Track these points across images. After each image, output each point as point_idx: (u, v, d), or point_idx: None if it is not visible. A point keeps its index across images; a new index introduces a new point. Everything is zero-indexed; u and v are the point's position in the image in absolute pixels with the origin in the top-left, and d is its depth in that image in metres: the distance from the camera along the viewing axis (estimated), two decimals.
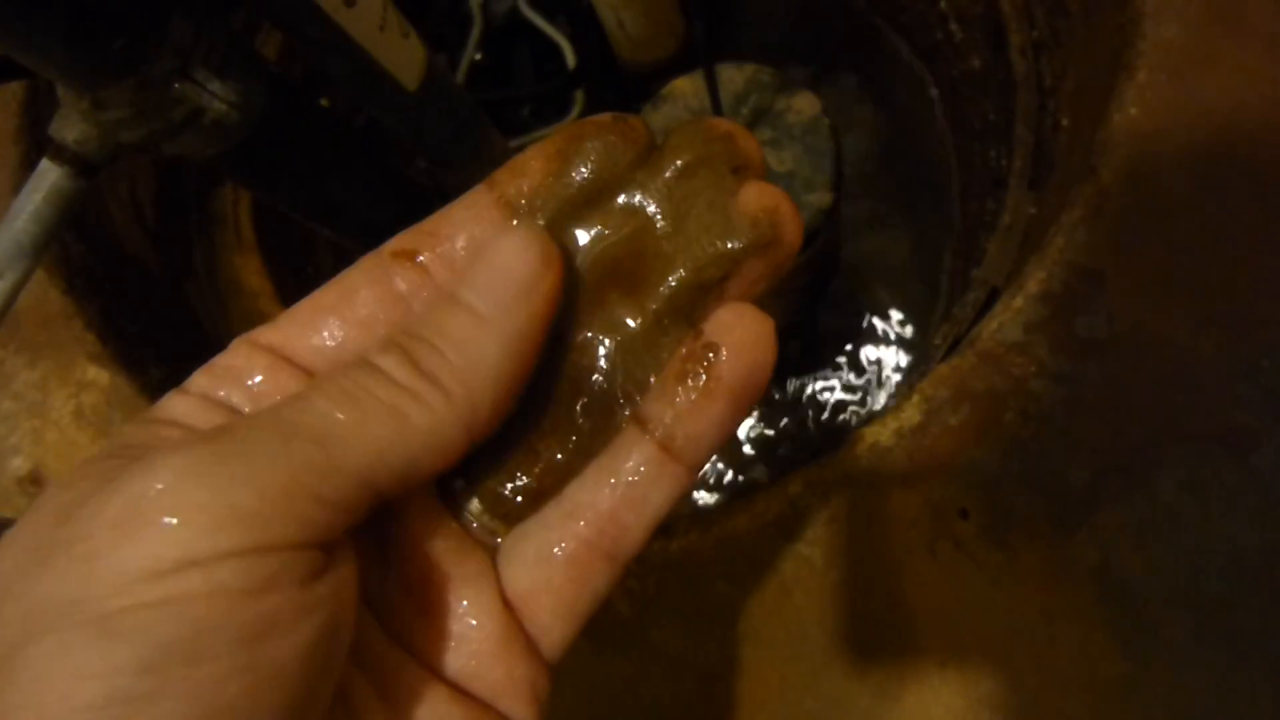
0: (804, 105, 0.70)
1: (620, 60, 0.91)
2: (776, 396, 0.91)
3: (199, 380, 0.21)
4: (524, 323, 0.20)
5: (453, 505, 0.22)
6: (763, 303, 0.22)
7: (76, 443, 0.51)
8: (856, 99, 0.97)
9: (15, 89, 0.59)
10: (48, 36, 0.34)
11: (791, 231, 0.22)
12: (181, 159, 0.44)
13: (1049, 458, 0.40)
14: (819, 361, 0.92)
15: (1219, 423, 0.40)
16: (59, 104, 0.40)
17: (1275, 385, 0.40)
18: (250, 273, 0.76)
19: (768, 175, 0.23)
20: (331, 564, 0.17)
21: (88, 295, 0.57)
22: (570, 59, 0.93)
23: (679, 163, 0.22)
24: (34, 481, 0.51)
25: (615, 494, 0.21)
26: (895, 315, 0.92)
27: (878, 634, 0.39)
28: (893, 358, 0.91)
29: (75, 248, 0.58)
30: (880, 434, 0.42)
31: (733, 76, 0.71)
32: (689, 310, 0.22)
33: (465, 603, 0.21)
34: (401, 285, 0.21)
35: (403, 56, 0.51)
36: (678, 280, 0.22)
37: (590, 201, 0.22)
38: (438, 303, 0.21)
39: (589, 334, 0.22)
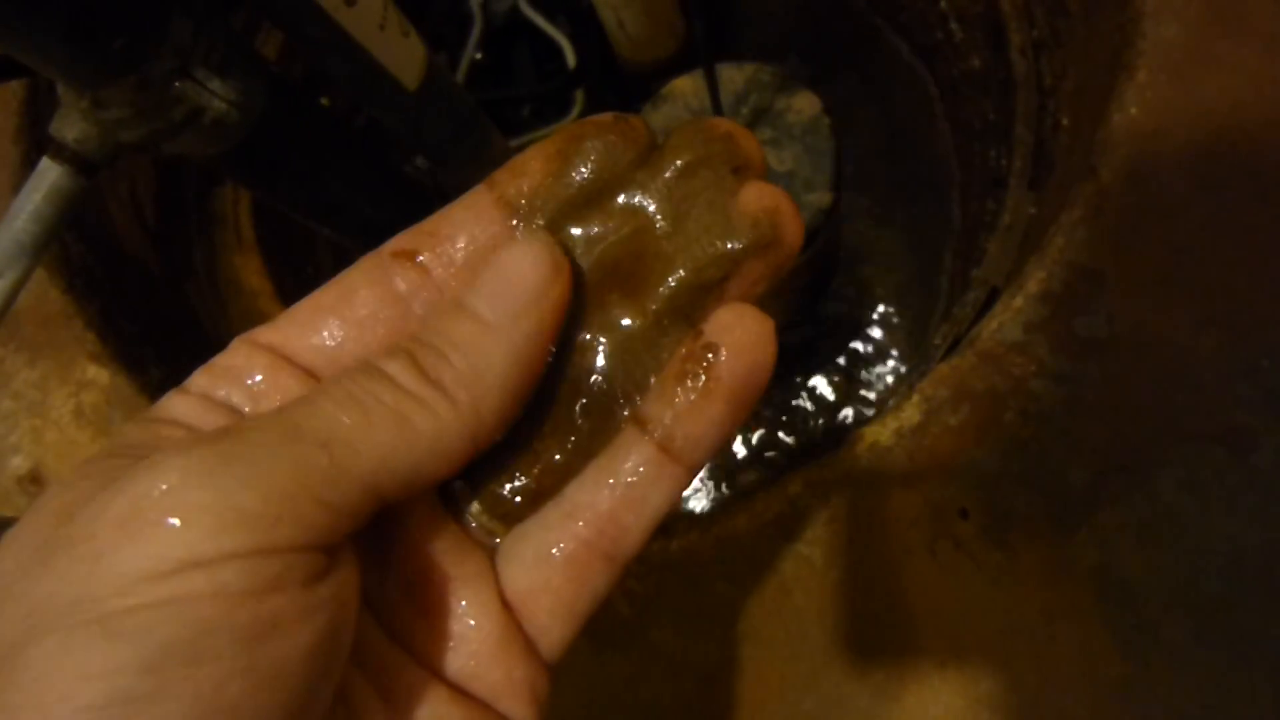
0: (804, 105, 0.70)
1: (620, 60, 0.91)
2: (776, 396, 0.91)
3: (199, 380, 0.21)
4: (531, 332, 0.20)
5: (452, 506, 0.22)
6: (763, 303, 0.22)
7: (76, 442, 0.51)
8: (856, 99, 0.97)
9: (15, 88, 0.59)
10: (48, 36, 0.34)
11: (792, 232, 0.22)
12: (181, 159, 0.44)
13: (1049, 458, 0.40)
14: (818, 361, 0.92)
15: (1219, 423, 0.40)
16: (59, 103, 0.40)
17: (1275, 385, 0.40)
18: (250, 272, 0.76)
19: (768, 175, 0.23)
20: (333, 566, 0.18)
21: (88, 295, 0.57)
22: (570, 59, 0.93)
23: (679, 163, 0.22)
24: (34, 481, 0.51)
25: (614, 494, 0.21)
26: (895, 315, 0.92)
27: (877, 634, 0.39)
28: (892, 357, 0.91)
29: (75, 248, 0.58)
30: (880, 434, 0.42)
31: (733, 76, 0.71)
32: (689, 310, 0.22)
33: (464, 603, 0.21)
34: (401, 285, 0.21)
35: (403, 56, 0.51)
36: (677, 280, 0.22)
37: (590, 202, 0.22)
38: (445, 309, 0.21)
39: (588, 334, 0.22)
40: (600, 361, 0.22)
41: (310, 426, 0.18)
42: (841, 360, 0.91)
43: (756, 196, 0.22)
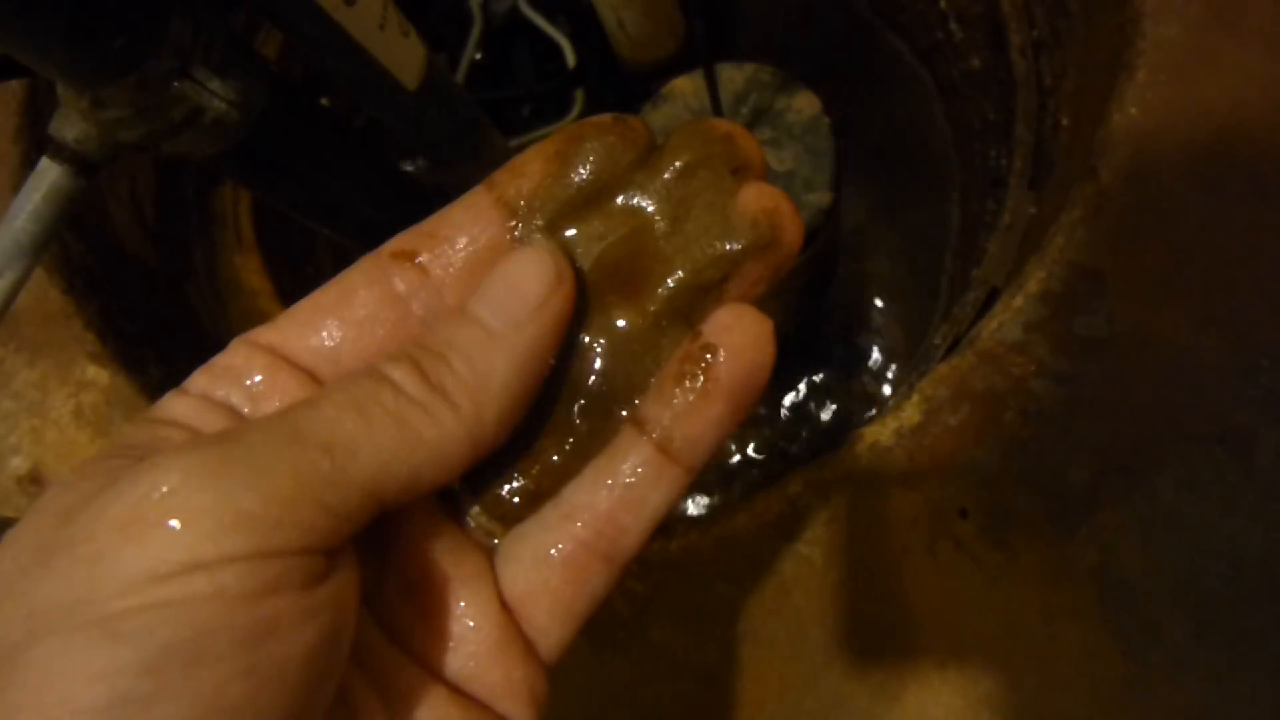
0: (804, 105, 0.70)
1: (620, 60, 0.91)
2: (775, 396, 0.91)
3: (198, 380, 0.21)
4: (534, 340, 0.20)
5: (451, 507, 0.22)
6: (762, 303, 0.22)
7: (76, 442, 0.51)
8: (856, 99, 0.97)
9: (15, 88, 0.59)
10: (48, 36, 0.34)
11: (791, 232, 0.22)
12: (181, 158, 0.44)
13: (1049, 458, 0.40)
14: (818, 361, 0.92)
15: (1219, 423, 0.40)
16: (59, 103, 0.40)
17: (1275, 385, 0.40)
18: (250, 272, 0.76)
19: (768, 175, 0.23)
20: (333, 569, 0.18)
21: (87, 295, 0.57)
22: (570, 59, 0.93)
23: (678, 164, 0.22)
24: (34, 481, 0.51)
25: (613, 495, 0.21)
26: (895, 314, 0.92)
27: (877, 634, 0.39)
28: (892, 357, 0.91)
29: (75, 247, 0.58)
30: (880, 434, 0.42)
31: (733, 76, 0.71)
32: (688, 311, 0.22)
33: (463, 604, 0.21)
34: (400, 286, 0.21)
35: (403, 56, 0.51)
36: (676, 281, 0.22)
37: (589, 202, 0.22)
38: (449, 316, 0.21)
39: (587, 335, 0.22)
40: (599, 362, 0.22)
41: (312, 430, 0.18)
42: (841, 360, 0.91)
43: (756, 197, 0.22)
